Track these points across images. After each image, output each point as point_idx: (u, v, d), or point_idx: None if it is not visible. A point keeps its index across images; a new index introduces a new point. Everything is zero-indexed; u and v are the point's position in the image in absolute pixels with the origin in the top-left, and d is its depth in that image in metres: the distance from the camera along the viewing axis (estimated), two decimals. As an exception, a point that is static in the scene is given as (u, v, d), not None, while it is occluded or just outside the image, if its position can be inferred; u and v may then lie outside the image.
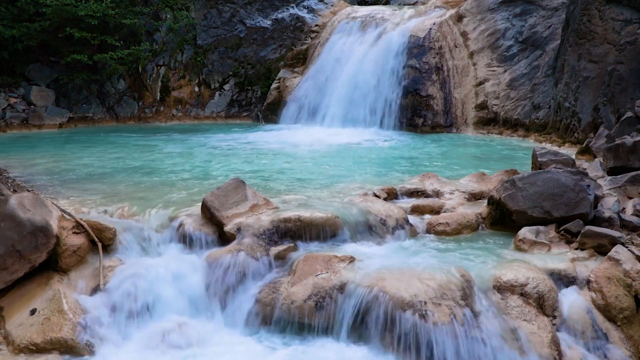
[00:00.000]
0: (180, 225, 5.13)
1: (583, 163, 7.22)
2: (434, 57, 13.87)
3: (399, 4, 17.31)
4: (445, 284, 4.05)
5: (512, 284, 4.16)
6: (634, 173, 5.96)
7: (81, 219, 4.82)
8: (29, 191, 6.08)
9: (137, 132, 13.28)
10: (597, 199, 5.39)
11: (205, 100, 16.22)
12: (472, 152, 10.54)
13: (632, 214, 5.33)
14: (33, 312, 4.25)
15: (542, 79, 12.43)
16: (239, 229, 4.97)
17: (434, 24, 14.45)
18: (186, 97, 16.07)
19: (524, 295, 4.12)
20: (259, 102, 16.23)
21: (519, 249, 4.86)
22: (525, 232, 4.97)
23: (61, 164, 8.38)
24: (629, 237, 4.87)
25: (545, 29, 12.87)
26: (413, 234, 5.40)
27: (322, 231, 5.03)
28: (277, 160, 9.13)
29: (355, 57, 14.48)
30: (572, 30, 10.71)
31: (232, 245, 4.85)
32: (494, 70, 13.31)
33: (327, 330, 4.20)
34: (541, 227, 5.06)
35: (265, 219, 5.05)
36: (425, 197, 6.31)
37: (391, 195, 6.22)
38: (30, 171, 7.68)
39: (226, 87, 16.32)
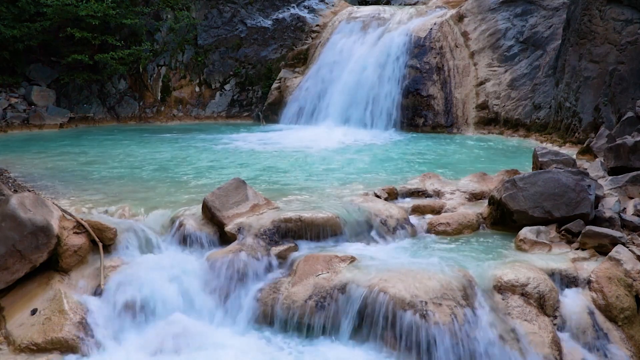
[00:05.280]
0: (181, 225, 5.13)
1: (584, 163, 7.21)
2: (435, 57, 13.87)
3: (400, 4, 17.31)
4: (446, 284, 4.05)
5: (513, 284, 4.16)
6: (634, 173, 5.95)
7: (82, 219, 4.83)
8: (29, 191, 6.09)
9: (137, 132, 13.29)
10: (598, 199, 5.38)
11: (206, 100, 16.23)
12: (473, 152, 10.53)
13: (632, 214, 5.33)
14: (34, 312, 4.25)
15: (543, 79, 12.42)
16: (239, 229, 4.97)
17: (434, 24, 14.45)
18: (187, 97, 16.08)
19: (524, 295, 4.12)
20: (260, 102, 16.23)
21: (519, 249, 4.86)
22: (526, 232, 4.96)
23: (62, 164, 8.39)
24: (629, 237, 4.87)
25: (546, 29, 12.87)
26: (414, 234, 5.40)
27: (323, 231, 5.04)
28: (278, 160, 9.13)
29: (356, 57, 14.48)
30: (573, 30, 10.70)
31: (233, 245, 4.85)
32: (494, 70, 13.31)
33: (328, 330, 4.19)
34: (542, 227, 5.06)
35: (266, 219, 5.05)
36: (426, 197, 6.30)
37: (392, 196, 6.22)
38: (31, 171, 7.68)
39: (227, 87, 16.33)
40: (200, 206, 5.32)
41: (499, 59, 13.32)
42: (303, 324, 4.24)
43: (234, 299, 4.54)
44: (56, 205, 5.01)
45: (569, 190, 5.11)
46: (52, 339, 4.05)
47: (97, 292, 4.50)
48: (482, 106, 13.15)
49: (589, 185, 5.16)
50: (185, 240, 5.05)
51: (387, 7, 16.59)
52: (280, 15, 16.45)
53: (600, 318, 4.16)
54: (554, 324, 4.07)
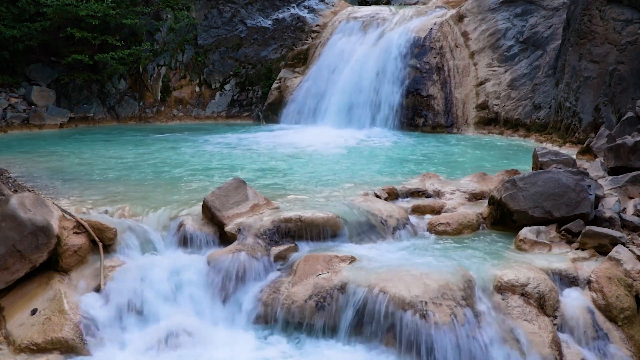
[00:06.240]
0: (181, 225, 5.13)
1: (584, 163, 7.21)
2: (435, 57, 13.87)
3: (400, 4, 17.31)
4: (446, 284, 4.05)
5: (513, 284, 4.16)
6: (634, 173, 5.95)
7: (82, 219, 4.82)
8: (29, 191, 6.09)
9: (137, 132, 13.29)
10: (598, 199, 5.38)
11: (206, 100, 16.22)
12: (473, 152, 10.54)
13: (632, 214, 5.33)
14: (34, 312, 4.25)
15: (543, 79, 12.42)
16: (239, 229, 4.97)
17: (434, 24, 14.45)
18: (187, 97, 16.08)
19: (524, 295, 4.12)
20: (260, 102, 16.23)
21: (519, 249, 4.86)
22: (526, 232, 4.96)
23: (62, 164, 8.39)
24: (629, 237, 4.87)
25: (546, 29, 12.87)
26: (414, 234, 5.40)
27: (323, 231, 5.03)
28: (278, 161, 9.13)
29: (356, 57, 14.48)
30: (573, 30, 10.70)
31: (233, 245, 4.85)
32: (494, 70, 13.31)
33: (328, 330, 4.20)
34: (542, 227, 5.06)
35: (266, 219, 5.05)
36: (426, 197, 6.30)
37: (392, 196, 6.22)
38: (31, 171, 7.68)
39: (227, 87, 16.32)
40: (200, 206, 5.32)
41: (499, 59, 13.32)
42: (303, 324, 4.25)
43: (234, 299, 4.54)
44: (56, 205, 5.00)
45: (569, 190, 5.11)
46: (52, 339, 4.05)
47: (98, 292, 4.49)
48: (482, 106, 13.15)
49: (589, 185, 5.16)
50: (185, 240, 5.05)
51: (387, 7, 16.58)
52: (280, 15, 16.44)
53: (600, 318, 4.16)
54: (554, 324, 4.07)
